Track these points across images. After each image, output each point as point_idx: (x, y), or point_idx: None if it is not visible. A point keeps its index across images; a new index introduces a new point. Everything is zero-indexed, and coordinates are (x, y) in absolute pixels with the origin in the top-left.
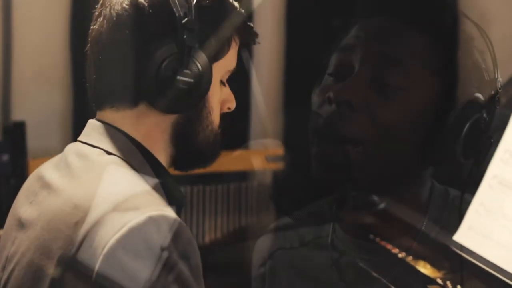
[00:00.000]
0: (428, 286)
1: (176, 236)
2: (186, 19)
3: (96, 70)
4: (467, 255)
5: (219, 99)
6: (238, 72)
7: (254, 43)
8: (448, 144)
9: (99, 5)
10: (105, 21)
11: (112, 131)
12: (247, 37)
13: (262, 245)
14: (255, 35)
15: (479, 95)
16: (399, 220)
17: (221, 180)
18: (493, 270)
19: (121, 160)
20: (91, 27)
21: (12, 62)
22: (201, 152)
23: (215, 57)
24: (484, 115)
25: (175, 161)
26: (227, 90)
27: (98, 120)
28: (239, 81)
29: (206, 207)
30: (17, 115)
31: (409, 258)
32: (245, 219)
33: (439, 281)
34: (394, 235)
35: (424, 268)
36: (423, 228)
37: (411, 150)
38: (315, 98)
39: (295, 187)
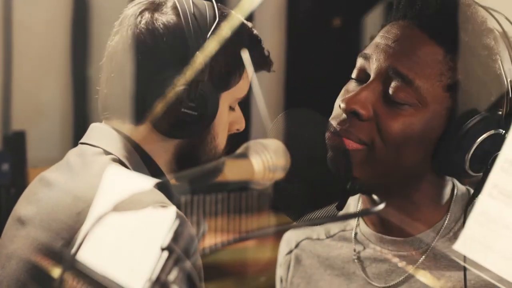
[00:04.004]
0: None
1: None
2: (198, 56)
3: (107, 85)
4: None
5: (226, 123)
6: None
7: (269, 71)
8: (458, 158)
9: (117, 22)
10: (121, 40)
11: (113, 133)
12: (262, 67)
13: (290, 235)
14: (271, 64)
15: (497, 111)
16: (419, 219)
17: (221, 189)
18: (494, 280)
19: (118, 160)
20: (108, 42)
21: (12, 72)
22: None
23: (225, 86)
24: (500, 130)
25: (177, 176)
26: (236, 113)
27: (102, 118)
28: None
29: (206, 216)
30: (17, 124)
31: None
32: (245, 228)
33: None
34: (413, 232)
35: (425, 277)
36: (443, 227)
37: (418, 158)
38: (337, 100)
39: (297, 196)
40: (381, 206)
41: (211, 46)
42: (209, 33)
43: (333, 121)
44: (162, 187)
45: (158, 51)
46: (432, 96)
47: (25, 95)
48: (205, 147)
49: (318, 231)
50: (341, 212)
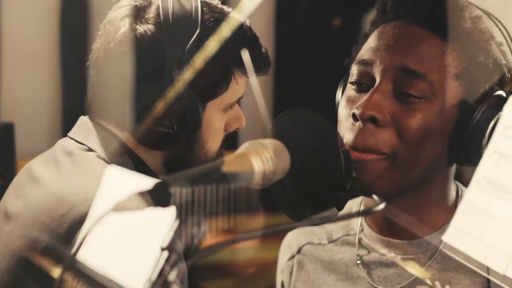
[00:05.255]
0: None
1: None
2: (174, 71)
3: (91, 88)
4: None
5: (218, 128)
6: None
7: (267, 73)
8: (474, 143)
9: (101, 25)
10: (103, 45)
11: (102, 132)
12: (260, 69)
13: (291, 240)
14: (269, 64)
15: (501, 92)
16: (428, 219)
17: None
18: (482, 270)
19: (102, 159)
20: (92, 46)
21: (1, 64)
22: None
23: (210, 96)
24: None
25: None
26: (234, 112)
27: (90, 118)
28: None
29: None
30: (5, 116)
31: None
32: (245, 229)
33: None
34: (422, 233)
35: (433, 281)
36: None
37: (437, 152)
38: (341, 110)
39: (297, 196)
40: (382, 206)
41: (192, 57)
42: (188, 45)
43: (348, 134)
44: (161, 188)
45: (135, 61)
46: (444, 88)
47: (13, 86)
48: (194, 154)
49: (320, 235)
50: (343, 215)
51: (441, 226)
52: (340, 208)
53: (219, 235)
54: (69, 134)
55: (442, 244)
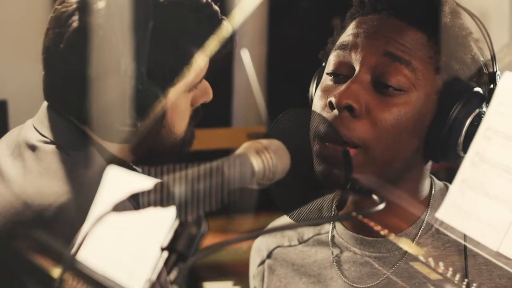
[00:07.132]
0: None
1: None
2: (129, 65)
3: (43, 80)
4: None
5: (184, 109)
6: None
7: (233, 49)
8: (450, 139)
9: (49, 19)
10: (53, 39)
11: (63, 123)
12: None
13: (260, 244)
14: (231, 40)
15: (478, 89)
16: (400, 216)
17: (203, 158)
18: (474, 247)
19: (64, 152)
20: (43, 38)
21: None
22: (165, 157)
23: (172, 84)
24: (484, 108)
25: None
26: (200, 87)
27: (51, 108)
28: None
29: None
30: None
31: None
32: (245, 229)
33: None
34: (395, 230)
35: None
36: (425, 222)
37: (413, 147)
38: (317, 101)
39: (297, 196)
40: (382, 206)
41: (149, 48)
42: (144, 36)
43: (321, 127)
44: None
45: (90, 58)
46: (425, 79)
47: (6, 63)
48: (162, 138)
49: (290, 237)
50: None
51: (414, 221)
52: (340, 208)
53: (219, 235)
54: (33, 123)
55: (416, 238)
